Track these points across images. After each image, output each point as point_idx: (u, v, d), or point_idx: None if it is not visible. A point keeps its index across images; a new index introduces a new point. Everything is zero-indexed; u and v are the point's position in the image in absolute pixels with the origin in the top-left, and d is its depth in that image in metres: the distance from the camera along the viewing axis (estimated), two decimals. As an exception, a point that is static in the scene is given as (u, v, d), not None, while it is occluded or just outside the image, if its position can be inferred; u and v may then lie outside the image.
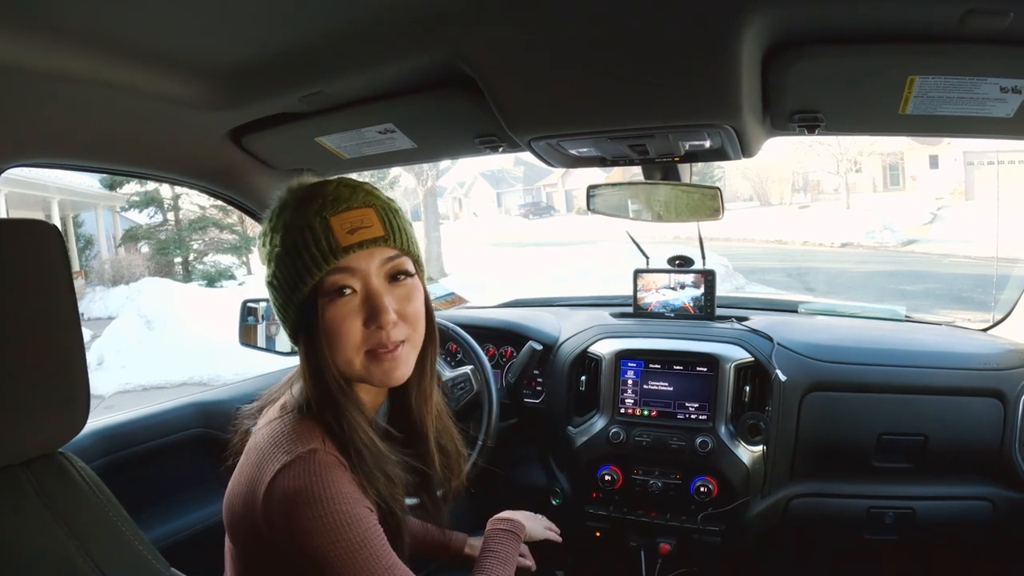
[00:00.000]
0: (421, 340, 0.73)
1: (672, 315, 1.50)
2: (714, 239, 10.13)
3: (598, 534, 1.38)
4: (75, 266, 10.00)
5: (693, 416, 1.31)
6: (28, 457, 0.59)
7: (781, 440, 1.26)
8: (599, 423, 1.36)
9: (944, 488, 1.22)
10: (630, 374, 1.37)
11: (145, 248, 11.09)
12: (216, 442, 0.78)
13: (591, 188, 1.34)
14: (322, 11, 0.75)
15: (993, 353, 1.26)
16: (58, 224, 0.92)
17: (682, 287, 1.49)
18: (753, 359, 1.30)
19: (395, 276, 0.70)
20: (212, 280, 10.39)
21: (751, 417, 1.27)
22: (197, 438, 1.31)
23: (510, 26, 0.78)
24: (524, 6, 0.74)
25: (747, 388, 1.30)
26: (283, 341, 1.39)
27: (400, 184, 12.79)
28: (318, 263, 0.66)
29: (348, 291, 0.67)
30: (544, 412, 1.48)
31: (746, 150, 1.04)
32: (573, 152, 1.10)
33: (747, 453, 1.27)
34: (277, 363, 1.48)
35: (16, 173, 3.18)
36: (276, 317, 0.73)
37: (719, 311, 1.47)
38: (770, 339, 1.32)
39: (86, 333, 5.78)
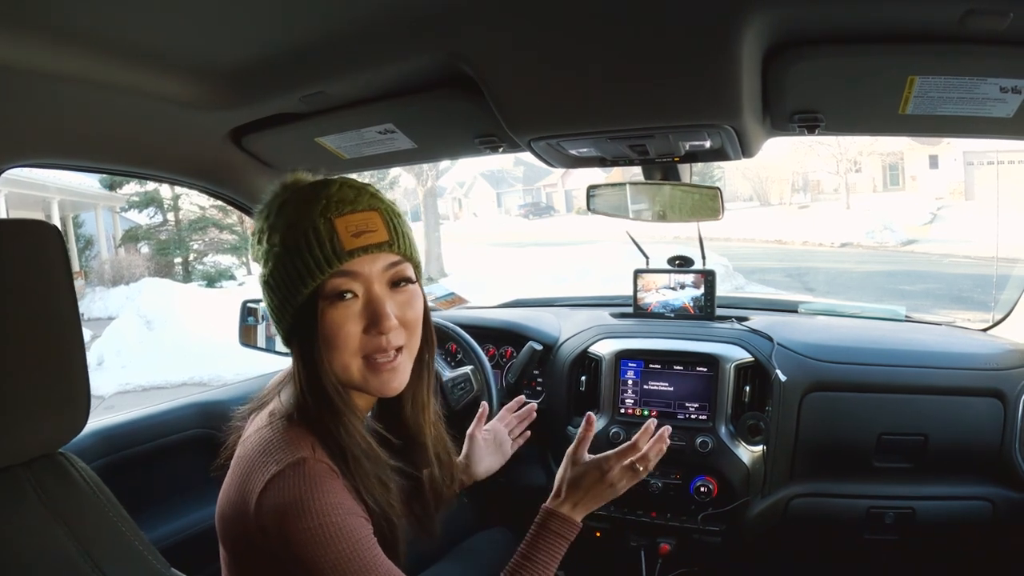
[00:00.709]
0: (418, 346, 0.73)
1: (672, 315, 1.50)
2: (714, 239, 10.13)
3: (598, 534, 1.38)
4: (75, 266, 10.00)
5: (693, 416, 1.31)
6: (28, 457, 0.59)
7: (781, 440, 1.26)
8: (599, 423, 1.36)
9: (944, 488, 1.22)
10: (630, 374, 1.36)
11: (145, 248, 11.09)
12: (216, 443, 0.77)
13: (591, 188, 1.34)
14: (322, 11, 0.75)
15: (993, 353, 1.26)
16: (58, 224, 0.92)
17: (682, 287, 1.49)
18: (753, 359, 1.30)
19: (397, 282, 0.69)
20: (212, 280, 10.40)
21: (751, 417, 1.27)
22: (197, 438, 1.31)
23: (510, 26, 0.78)
24: (524, 6, 0.74)
25: (747, 388, 1.30)
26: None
27: (400, 184, 12.81)
28: (321, 266, 0.64)
29: (349, 295, 0.66)
30: (544, 412, 1.48)
31: (746, 150, 1.04)
32: (573, 152, 1.10)
33: (747, 453, 1.27)
34: (277, 363, 1.48)
35: (16, 173, 3.18)
36: (270, 318, 0.71)
37: (719, 311, 1.47)
38: (770, 339, 1.32)
39: (86, 333, 5.77)
